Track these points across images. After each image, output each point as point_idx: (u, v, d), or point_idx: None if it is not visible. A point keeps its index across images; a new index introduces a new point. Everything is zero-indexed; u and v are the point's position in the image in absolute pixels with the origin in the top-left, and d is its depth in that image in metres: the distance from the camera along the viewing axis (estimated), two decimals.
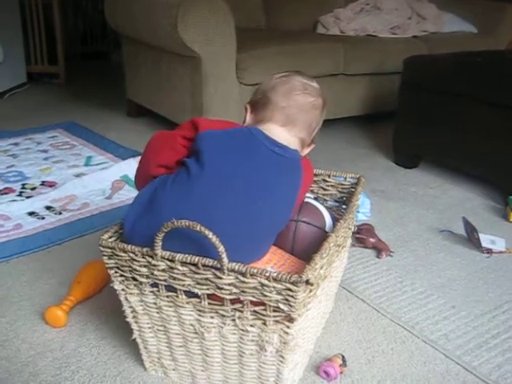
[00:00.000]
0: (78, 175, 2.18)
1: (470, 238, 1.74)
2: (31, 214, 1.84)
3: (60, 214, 1.84)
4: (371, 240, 1.68)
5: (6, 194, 2.00)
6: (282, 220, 1.08)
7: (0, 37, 3.36)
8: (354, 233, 1.68)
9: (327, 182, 1.36)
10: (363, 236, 1.68)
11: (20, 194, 2.00)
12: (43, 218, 1.81)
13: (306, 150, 1.17)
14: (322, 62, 2.68)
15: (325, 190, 1.37)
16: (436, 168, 2.39)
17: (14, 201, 1.93)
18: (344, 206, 1.34)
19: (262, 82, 1.17)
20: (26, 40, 3.84)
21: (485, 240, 1.69)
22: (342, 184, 1.35)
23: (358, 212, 1.86)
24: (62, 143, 2.61)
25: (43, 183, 2.11)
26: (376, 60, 2.83)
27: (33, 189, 2.06)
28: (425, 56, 2.61)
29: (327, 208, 1.29)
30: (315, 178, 1.37)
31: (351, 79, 2.82)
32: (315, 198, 1.34)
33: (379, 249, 1.66)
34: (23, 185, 2.09)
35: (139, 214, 1.02)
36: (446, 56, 2.38)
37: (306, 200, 1.24)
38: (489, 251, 1.68)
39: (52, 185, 2.09)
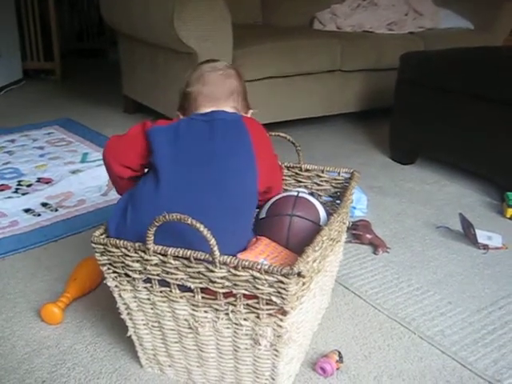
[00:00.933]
0: (74, 172, 2.17)
1: (467, 233, 1.74)
2: (27, 210, 1.83)
3: (56, 210, 1.84)
4: (368, 236, 1.68)
5: (2, 190, 2.00)
6: (251, 175, 1.10)
7: None
8: (350, 229, 1.68)
9: (321, 177, 1.36)
10: (360, 232, 1.68)
11: (16, 191, 1.99)
12: (39, 215, 1.80)
13: (248, 114, 1.23)
14: (319, 58, 2.68)
15: (319, 185, 1.37)
16: (432, 164, 2.39)
17: (9, 197, 1.93)
18: (338, 201, 1.34)
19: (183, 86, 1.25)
20: (22, 36, 3.83)
21: (481, 236, 1.69)
22: (335, 179, 1.35)
23: (354, 208, 1.86)
24: (58, 140, 2.60)
25: (39, 180, 2.11)
26: (372, 56, 2.83)
27: (29, 185, 2.05)
28: (421, 52, 2.61)
29: (322, 203, 1.28)
30: (309, 174, 1.37)
31: (348, 75, 2.82)
32: (311, 194, 1.34)
33: (376, 245, 1.66)
34: (19, 181, 2.09)
35: (119, 221, 1.05)
36: (442, 52, 2.38)
37: (301, 195, 1.24)
38: (485, 247, 1.68)
39: (48, 181, 2.09)
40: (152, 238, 0.94)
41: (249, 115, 1.23)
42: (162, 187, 1.03)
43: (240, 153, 1.09)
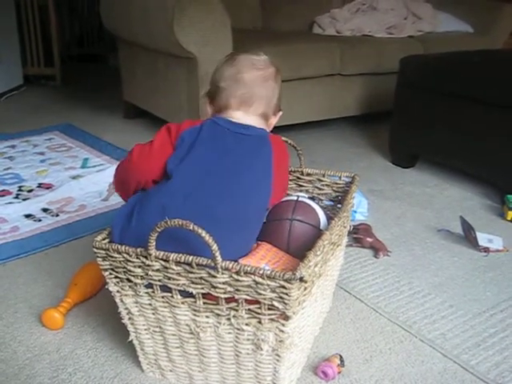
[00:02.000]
0: (74, 177, 2.17)
1: (468, 236, 1.74)
2: (28, 216, 1.84)
3: (57, 216, 1.84)
4: (368, 240, 1.68)
5: (3, 196, 2.00)
6: (264, 193, 1.11)
7: None
8: (351, 232, 1.68)
9: (322, 181, 1.36)
10: (360, 236, 1.68)
11: (17, 197, 2.00)
12: (40, 221, 1.80)
13: (274, 120, 1.21)
14: (319, 62, 2.68)
15: (320, 189, 1.37)
16: (433, 167, 2.39)
17: (10, 203, 1.93)
18: (339, 205, 1.34)
19: (214, 71, 1.19)
20: (22, 42, 3.84)
21: (482, 239, 1.69)
22: (336, 183, 1.35)
23: (355, 212, 1.86)
24: (58, 145, 2.61)
25: (40, 185, 2.11)
26: (372, 60, 2.84)
27: (29, 191, 2.05)
28: (421, 56, 2.61)
29: (322, 207, 1.29)
30: (310, 178, 1.37)
31: (348, 79, 2.82)
32: (311, 198, 1.34)
33: (377, 248, 1.65)
34: (20, 187, 2.09)
35: (124, 225, 1.04)
36: (442, 56, 2.39)
37: (301, 199, 1.24)
38: (486, 250, 1.68)
39: (49, 187, 2.09)
40: (154, 243, 0.94)
41: (276, 119, 1.21)
42: (172, 192, 1.03)
43: (258, 170, 1.09)
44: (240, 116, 1.13)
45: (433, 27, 3.25)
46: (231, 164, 1.07)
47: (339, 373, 1.15)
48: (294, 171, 1.38)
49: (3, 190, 2.05)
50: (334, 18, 3.24)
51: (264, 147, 1.12)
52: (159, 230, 0.91)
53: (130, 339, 1.10)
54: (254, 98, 1.13)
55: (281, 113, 1.22)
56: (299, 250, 1.11)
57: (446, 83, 2.17)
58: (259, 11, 3.35)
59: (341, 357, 1.16)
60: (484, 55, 2.41)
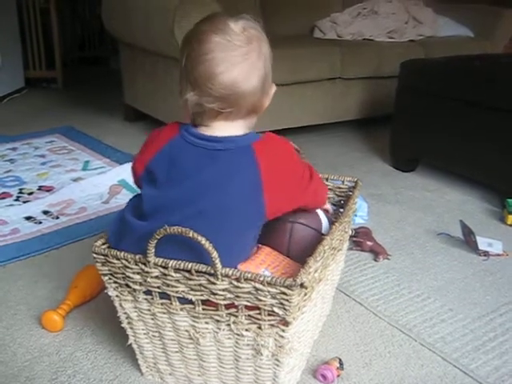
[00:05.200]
0: (75, 180, 2.18)
1: (468, 240, 1.74)
2: (28, 218, 1.84)
3: (57, 218, 1.84)
4: (368, 243, 1.68)
5: (4, 198, 2.00)
6: (248, 212, 0.97)
7: None
8: (351, 236, 1.68)
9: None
10: (361, 239, 1.68)
11: (17, 199, 2.00)
12: (40, 223, 1.80)
13: (267, 101, 1.01)
14: (319, 66, 2.69)
15: None
16: (433, 171, 2.39)
17: (11, 205, 1.93)
18: (342, 210, 1.34)
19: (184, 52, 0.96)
20: (24, 45, 3.85)
21: (482, 243, 1.69)
22: (339, 187, 1.35)
23: (355, 215, 1.86)
24: (59, 148, 2.61)
25: (40, 188, 2.11)
26: (373, 64, 2.84)
27: (30, 193, 2.05)
28: (421, 60, 2.61)
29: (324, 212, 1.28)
30: None
31: (348, 83, 2.83)
32: None
33: (376, 252, 1.65)
34: (20, 189, 2.09)
35: (119, 234, 1.03)
36: (442, 60, 2.39)
37: None
38: (486, 254, 1.68)
39: (49, 189, 2.09)
40: (153, 250, 0.93)
41: (270, 97, 1.01)
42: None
43: (237, 187, 0.95)
44: (220, 125, 0.97)
45: (433, 31, 3.26)
46: (207, 184, 0.95)
47: (338, 376, 1.15)
48: None
49: (4, 193, 2.05)
50: (334, 22, 3.24)
51: (243, 159, 0.95)
52: (158, 237, 0.91)
53: (129, 343, 1.10)
54: (235, 101, 0.94)
55: (274, 88, 1.02)
56: (300, 253, 1.11)
57: (447, 87, 2.17)
58: (260, 15, 3.36)
59: (340, 360, 1.16)
60: (484, 59, 2.41)
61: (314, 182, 1.10)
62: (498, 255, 1.68)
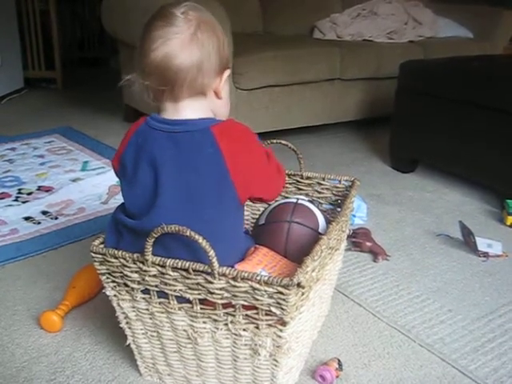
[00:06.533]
0: (74, 180, 2.18)
1: (467, 241, 1.74)
2: (27, 218, 1.84)
3: (56, 218, 1.84)
4: (368, 244, 1.67)
5: (2, 198, 2.00)
6: (219, 193, 0.96)
7: None
8: (350, 237, 1.68)
9: (322, 185, 1.36)
10: (360, 240, 1.68)
11: (16, 199, 2.00)
12: (39, 223, 1.80)
13: (220, 84, 1.00)
14: (319, 66, 2.68)
15: (319, 192, 1.37)
16: (432, 172, 2.39)
17: (10, 206, 1.93)
18: (339, 209, 1.34)
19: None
20: (24, 45, 3.85)
21: (481, 244, 1.69)
22: (336, 187, 1.35)
23: (354, 216, 1.86)
24: (58, 148, 2.61)
25: (39, 188, 2.11)
26: (372, 65, 2.84)
27: (29, 194, 2.05)
28: (421, 61, 2.62)
29: (322, 211, 1.28)
30: (310, 182, 1.36)
31: (348, 84, 2.83)
32: (311, 201, 1.34)
33: (376, 253, 1.65)
34: (19, 190, 2.09)
35: (115, 239, 1.04)
36: (442, 61, 2.39)
37: (300, 201, 1.24)
38: (485, 255, 1.68)
39: (48, 190, 2.09)
40: (150, 249, 0.93)
41: (225, 77, 1.01)
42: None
43: (203, 169, 0.95)
44: (174, 107, 0.98)
45: (433, 32, 3.27)
46: (176, 167, 0.96)
47: (337, 377, 1.14)
48: (294, 175, 1.38)
49: (3, 193, 2.05)
50: (334, 23, 3.25)
51: (204, 140, 0.95)
52: (156, 235, 0.91)
53: (127, 343, 1.10)
54: (177, 80, 0.94)
55: (228, 72, 1.01)
56: (297, 253, 1.11)
57: (446, 88, 2.17)
58: (260, 16, 3.36)
59: (339, 361, 1.16)
60: (484, 60, 2.41)
61: (273, 164, 1.09)
62: (498, 256, 1.68)
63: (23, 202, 1.96)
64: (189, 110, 0.98)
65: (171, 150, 0.96)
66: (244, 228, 1.44)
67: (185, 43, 0.93)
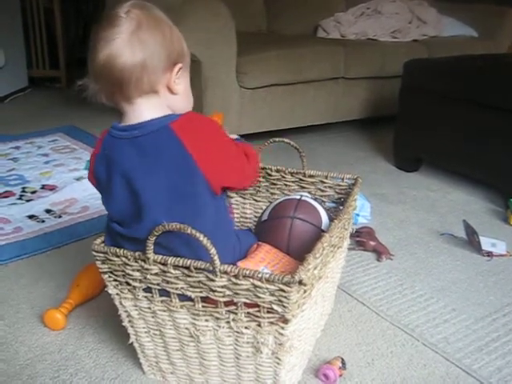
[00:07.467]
0: (78, 179, 2.18)
1: (471, 240, 1.73)
2: (31, 217, 1.84)
3: (60, 217, 1.84)
4: (371, 243, 1.67)
5: (7, 197, 2.00)
6: (192, 186, 0.96)
7: (1, 41, 3.38)
8: (353, 236, 1.68)
9: (325, 183, 1.36)
10: (363, 239, 1.68)
11: (20, 198, 2.00)
12: (43, 222, 1.81)
13: (171, 79, 0.98)
14: (323, 65, 2.68)
15: (322, 190, 1.37)
16: (437, 171, 2.39)
17: (14, 204, 1.94)
18: (342, 207, 1.34)
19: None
20: (28, 44, 3.85)
21: (485, 243, 1.69)
22: (339, 185, 1.35)
23: (358, 215, 1.86)
24: (62, 147, 2.61)
25: (43, 187, 2.11)
26: (376, 64, 2.84)
27: (33, 192, 2.06)
28: (425, 60, 2.61)
29: (325, 209, 1.28)
30: (313, 180, 1.36)
31: (352, 83, 2.83)
32: (314, 199, 1.34)
33: (379, 252, 1.65)
34: (23, 188, 2.09)
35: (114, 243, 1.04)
36: (446, 60, 2.38)
37: (304, 198, 1.24)
38: (489, 254, 1.67)
39: (52, 188, 2.10)
40: (152, 247, 0.93)
41: (175, 71, 0.98)
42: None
43: (172, 167, 0.95)
44: (129, 110, 0.98)
45: (437, 31, 3.26)
46: (137, 175, 0.96)
47: (341, 376, 1.14)
48: (297, 173, 1.38)
49: (7, 191, 2.05)
50: (338, 22, 3.24)
51: (166, 141, 0.94)
52: (157, 233, 0.91)
53: (130, 342, 1.10)
54: (122, 80, 0.93)
55: (179, 65, 0.99)
56: (299, 249, 1.11)
57: (450, 87, 2.17)
58: (264, 14, 3.36)
59: (342, 360, 1.16)
60: (488, 59, 2.41)
61: (241, 150, 1.09)
62: (502, 255, 1.67)
63: (27, 201, 1.97)
64: (145, 109, 0.97)
65: (137, 156, 0.95)
66: (246, 226, 1.45)
67: (126, 42, 0.92)
